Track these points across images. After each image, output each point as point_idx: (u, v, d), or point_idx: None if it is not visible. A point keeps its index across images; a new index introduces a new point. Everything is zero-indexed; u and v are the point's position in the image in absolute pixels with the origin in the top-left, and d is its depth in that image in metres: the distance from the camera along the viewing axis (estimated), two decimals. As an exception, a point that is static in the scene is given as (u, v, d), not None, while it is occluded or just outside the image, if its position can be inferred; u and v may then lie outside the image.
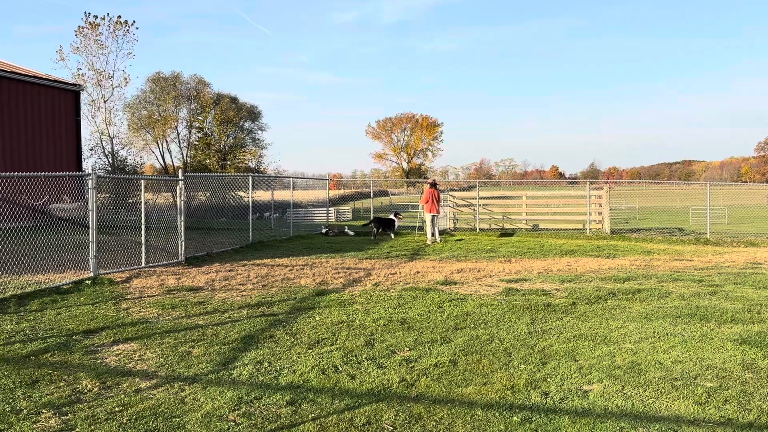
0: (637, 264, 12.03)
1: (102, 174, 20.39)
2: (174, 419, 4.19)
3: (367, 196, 49.54)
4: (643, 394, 4.65)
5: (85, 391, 4.72)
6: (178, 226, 11.92)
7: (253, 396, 4.63)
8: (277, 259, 12.69)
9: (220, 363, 5.44)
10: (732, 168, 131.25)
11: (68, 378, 5.00)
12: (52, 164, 20.86)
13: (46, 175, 9.82)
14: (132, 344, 6.05)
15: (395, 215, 19.61)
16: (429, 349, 5.90)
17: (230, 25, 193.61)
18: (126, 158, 39.99)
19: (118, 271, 10.27)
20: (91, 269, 9.71)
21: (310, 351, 5.82)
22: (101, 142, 38.19)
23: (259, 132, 51.15)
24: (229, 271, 10.84)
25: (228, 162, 48.06)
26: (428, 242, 17.00)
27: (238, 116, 48.30)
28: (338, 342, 6.13)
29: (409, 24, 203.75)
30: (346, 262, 12.47)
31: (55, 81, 21.87)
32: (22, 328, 6.62)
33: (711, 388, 4.78)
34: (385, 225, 19.10)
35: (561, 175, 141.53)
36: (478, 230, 20.72)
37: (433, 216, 17.31)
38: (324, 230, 20.40)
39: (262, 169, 49.01)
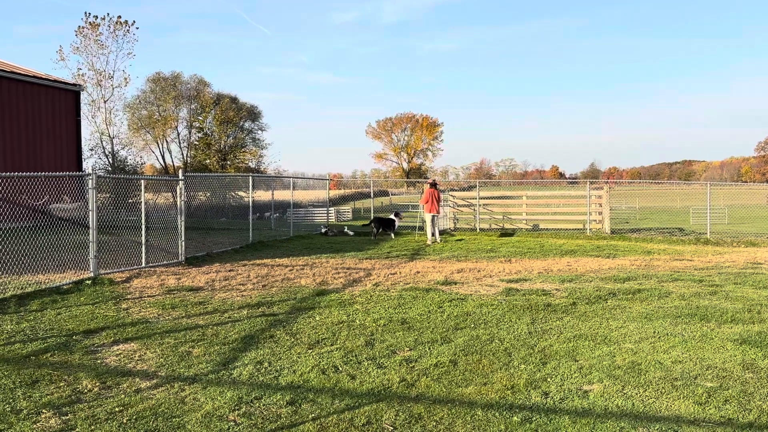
0: (638, 264, 12.03)
1: (102, 174, 20.40)
2: (174, 419, 4.19)
3: (367, 196, 49.54)
4: (644, 394, 4.65)
5: (85, 391, 4.72)
6: (179, 226, 11.92)
7: (253, 396, 4.63)
8: (277, 259, 12.69)
9: (221, 363, 5.44)
10: (732, 168, 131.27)
11: (68, 378, 5.00)
12: (53, 164, 20.86)
13: (46, 175, 9.82)
14: (132, 344, 6.05)
15: (395, 215, 19.61)
16: (429, 349, 5.90)
17: (230, 25, 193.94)
18: (126, 158, 40.07)
19: (118, 271, 10.27)
20: (92, 269, 9.71)
21: (310, 351, 5.82)
22: (101, 142, 38.25)
23: (259, 132, 51.19)
24: (230, 271, 10.84)
25: (228, 162, 48.06)
26: (428, 242, 17.00)
27: (238, 116, 48.29)
28: (338, 342, 6.13)
29: (409, 24, 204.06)
30: (347, 262, 12.47)
31: (55, 81, 21.87)
32: (22, 328, 6.62)
33: (711, 388, 4.78)
34: (385, 225, 19.10)
35: (561, 175, 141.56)
36: (478, 230, 20.71)
37: (433, 216, 17.32)
38: (323, 230, 20.40)
39: (263, 169, 49.01)
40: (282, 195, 30.11)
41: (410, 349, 5.88)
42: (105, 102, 37.66)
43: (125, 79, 38.48)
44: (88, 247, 9.75)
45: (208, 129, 48.35)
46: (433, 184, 17.95)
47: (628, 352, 5.75)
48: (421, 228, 19.18)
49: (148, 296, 8.51)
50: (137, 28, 49.07)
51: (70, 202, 14.69)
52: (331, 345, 6.03)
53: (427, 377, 5.03)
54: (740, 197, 44.05)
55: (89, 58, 37.30)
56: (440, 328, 6.71)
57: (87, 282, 9.23)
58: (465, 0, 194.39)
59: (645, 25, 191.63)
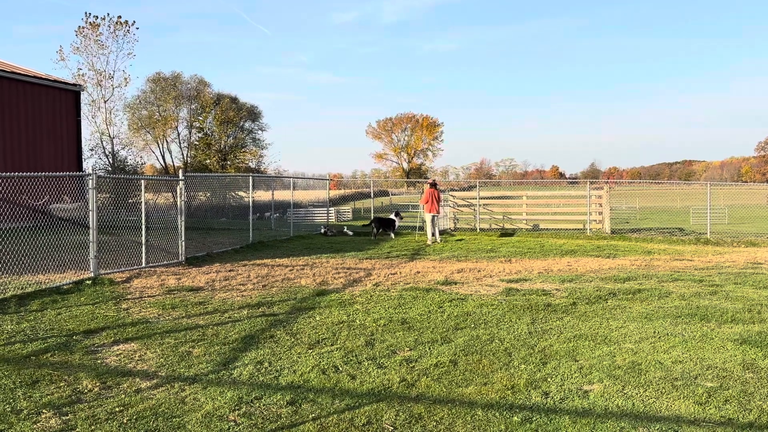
0: (638, 264, 12.03)
1: (102, 174, 20.40)
2: (174, 419, 4.19)
3: (367, 196, 49.53)
4: (644, 394, 4.65)
5: (86, 391, 4.73)
6: (179, 226, 11.92)
7: (253, 396, 4.63)
8: (277, 259, 12.69)
9: (221, 363, 5.44)
10: (732, 168, 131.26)
11: (68, 378, 5.00)
12: (53, 164, 20.86)
13: (46, 176, 9.82)
14: (132, 344, 6.05)
15: (396, 215, 19.62)
16: (429, 349, 5.90)
17: (230, 25, 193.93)
18: (126, 158, 40.08)
19: (118, 271, 10.27)
20: (92, 269, 9.71)
21: (310, 351, 5.82)
22: (101, 142, 38.26)
23: (260, 132, 51.18)
24: (230, 271, 10.84)
25: (228, 162, 48.05)
26: (428, 242, 17.01)
27: (239, 116, 48.28)
28: (338, 342, 6.13)
29: (409, 24, 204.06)
30: (347, 262, 12.47)
31: (55, 81, 21.88)
32: (23, 329, 6.62)
33: (711, 388, 4.78)
34: (385, 225, 19.10)
35: (561, 175, 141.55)
36: (478, 230, 20.71)
37: (434, 216, 17.32)
38: (322, 230, 20.39)
39: (263, 169, 49.01)
40: (282, 195, 30.12)
41: (410, 349, 5.88)
42: (105, 102, 37.70)
43: (125, 79, 38.54)
44: (89, 247, 9.75)
45: (209, 129, 48.36)
46: (433, 184, 17.95)
47: (628, 352, 5.75)
48: (421, 228, 19.18)
49: (149, 296, 8.51)
50: (137, 28, 49.12)
51: (70, 202, 14.69)
52: (332, 345, 6.03)
53: (427, 377, 5.03)
54: (740, 197, 44.05)
55: (89, 58, 37.35)
56: (440, 328, 6.71)
57: (87, 282, 9.23)
58: (465, 0, 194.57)
59: (645, 25, 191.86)
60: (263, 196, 26.09)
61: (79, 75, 36.74)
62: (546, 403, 4.48)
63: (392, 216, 19.49)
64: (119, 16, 38.16)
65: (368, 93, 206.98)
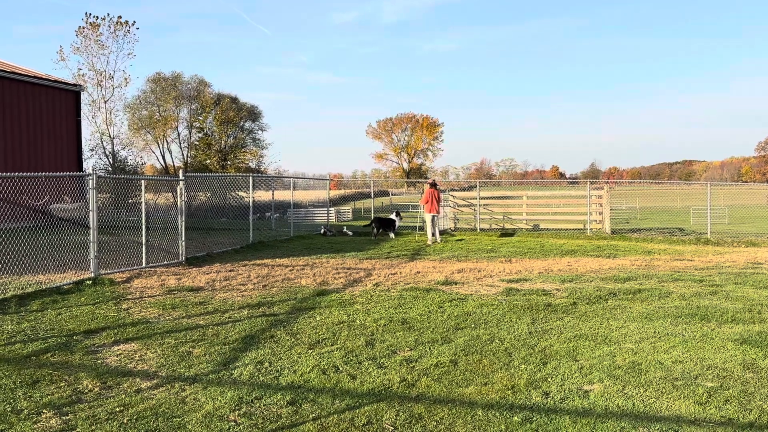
0: (638, 264, 12.03)
1: (102, 174, 20.41)
2: (175, 419, 4.19)
3: (367, 196, 49.53)
4: (644, 394, 4.65)
5: (86, 391, 4.73)
6: (179, 227, 11.93)
7: (253, 396, 4.63)
8: (277, 260, 12.69)
9: (221, 363, 5.44)
10: (732, 168, 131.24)
11: (69, 378, 5.00)
12: (53, 164, 20.87)
13: (46, 176, 9.82)
14: (133, 344, 6.05)
15: (396, 214, 19.63)
16: (429, 349, 5.90)
17: (230, 25, 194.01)
18: (126, 158, 40.10)
19: (118, 272, 10.27)
20: (92, 269, 9.71)
21: (310, 351, 5.82)
22: (102, 142, 38.28)
23: (260, 132, 51.18)
24: (230, 271, 10.84)
25: (228, 162, 48.05)
26: (429, 242, 17.01)
27: (239, 116, 48.28)
28: (339, 342, 6.13)
29: (409, 24, 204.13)
30: (347, 262, 12.47)
31: (55, 81, 21.88)
32: (23, 329, 6.62)
33: (712, 388, 4.78)
34: (385, 225, 19.10)
35: (561, 175, 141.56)
36: (478, 230, 20.71)
37: (434, 216, 17.32)
38: (322, 231, 20.38)
39: (263, 169, 49.01)
40: (282, 195, 30.12)
41: (411, 349, 5.88)
42: (105, 102, 37.73)
43: (125, 79, 38.58)
44: (89, 248, 9.75)
45: (209, 129, 48.37)
46: (433, 184, 17.96)
47: (628, 352, 5.75)
48: (422, 228, 19.18)
49: (149, 296, 8.51)
50: (137, 28, 49.12)
51: (70, 202, 14.69)
52: (332, 345, 6.03)
53: (427, 377, 5.04)
54: (740, 197, 44.04)
55: (89, 59, 37.39)
56: (441, 328, 6.71)
57: (87, 282, 9.24)
58: (465, 0, 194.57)
59: (645, 25, 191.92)
60: (263, 196, 26.10)
61: (79, 75, 36.80)
62: (546, 403, 4.48)
63: (392, 216, 19.49)
64: (119, 17, 38.23)
65: (368, 93, 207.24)
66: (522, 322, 6.97)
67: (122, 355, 5.67)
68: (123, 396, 4.61)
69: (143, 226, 11.12)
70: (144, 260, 10.97)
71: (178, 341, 6.14)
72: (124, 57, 49.82)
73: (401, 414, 4.28)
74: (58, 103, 21.63)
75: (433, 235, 17.27)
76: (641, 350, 5.80)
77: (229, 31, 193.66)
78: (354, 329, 6.66)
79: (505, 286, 9.33)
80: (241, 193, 35.55)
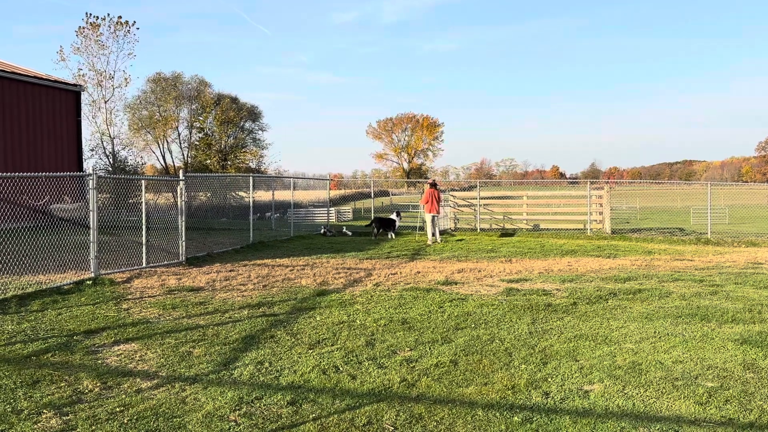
0: (638, 264, 12.03)
1: (103, 174, 20.42)
2: (175, 419, 4.19)
3: (367, 196, 49.51)
4: (644, 394, 4.65)
5: (86, 391, 4.73)
6: (179, 227, 11.93)
7: (254, 396, 4.63)
8: (277, 260, 12.69)
9: (221, 363, 5.44)
10: (733, 168, 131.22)
11: (69, 378, 5.00)
12: (53, 164, 20.87)
13: (46, 176, 9.82)
14: (133, 344, 6.05)
15: (396, 214, 19.63)
16: (430, 349, 5.90)
17: (230, 25, 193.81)
18: (127, 158, 40.12)
19: (118, 272, 10.27)
20: (92, 269, 9.71)
21: (310, 351, 5.82)
22: (102, 142, 38.30)
23: (260, 132, 51.18)
24: (230, 271, 10.84)
25: (229, 162, 48.06)
26: (429, 242, 17.01)
27: (239, 116, 48.29)
28: (339, 342, 6.13)
29: (409, 24, 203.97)
30: (347, 262, 12.47)
31: (55, 81, 21.88)
32: (23, 329, 6.62)
33: (712, 388, 4.78)
34: (385, 225, 19.10)
35: (562, 175, 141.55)
36: (478, 230, 20.71)
37: (434, 216, 17.32)
38: (322, 231, 20.38)
39: (263, 169, 49.01)
40: (282, 195, 30.12)
41: (411, 349, 5.89)
42: (105, 102, 37.74)
43: (126, 79, 38.60)
44: (89, 248, 9.75)
45: (209, 129, 48.37)
46: (434, 184, 17.96)
47: (628, 352, 5.75)
48: (422, 228, 19.19)
49: (149, 296, 8.51)
50: (137, 28, 49.09)
51: (70, 202, 14.69)
52: (332, 345, 6.03)
53: (427, 377, 5.04)
54: (741, 197, 44.02)
55: (90, 59, 37.41)
56: (441, 328, 6.71)
57: (88, 282, 9.24)
58: (465, 0, 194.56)
59: (645, 25, 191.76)
60: (264, 196, 26.11)
61: (79, 75, 36.81)
62: (546, 403, 4.48)
63: (392, 216, 19.50)
64: (119, 17, 38.23)
65: (368, 93, 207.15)
66: (522, 322, 6.97)
67: (122, 355, 5.67)
68: (123, 396, 4.62)
69: (143, 226, 11.13)
70: (144, 260, 10.97)
71: (179, 341, 6.14)
72: (125, 57, 49.94)
73: (401, 414, 4.28)
74: (58, 103, 21.63)
75: (433, 235, 17.27)
76: (641, 350, 5.80)
77: (229, 31, 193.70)
78: (354, 329, 6.66)
79: (506, 286, 9.33)
80: (242, 193, 35.57)
